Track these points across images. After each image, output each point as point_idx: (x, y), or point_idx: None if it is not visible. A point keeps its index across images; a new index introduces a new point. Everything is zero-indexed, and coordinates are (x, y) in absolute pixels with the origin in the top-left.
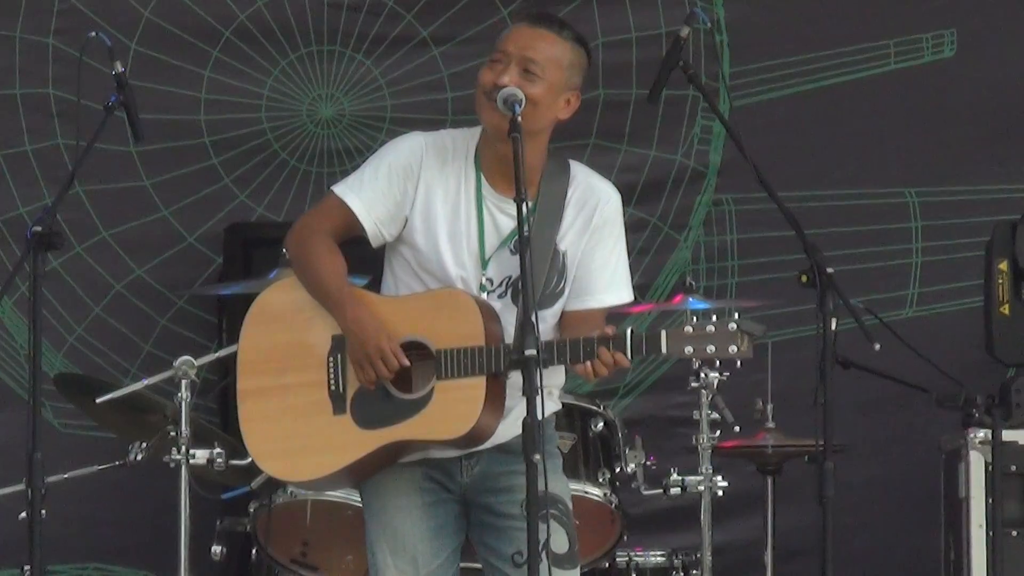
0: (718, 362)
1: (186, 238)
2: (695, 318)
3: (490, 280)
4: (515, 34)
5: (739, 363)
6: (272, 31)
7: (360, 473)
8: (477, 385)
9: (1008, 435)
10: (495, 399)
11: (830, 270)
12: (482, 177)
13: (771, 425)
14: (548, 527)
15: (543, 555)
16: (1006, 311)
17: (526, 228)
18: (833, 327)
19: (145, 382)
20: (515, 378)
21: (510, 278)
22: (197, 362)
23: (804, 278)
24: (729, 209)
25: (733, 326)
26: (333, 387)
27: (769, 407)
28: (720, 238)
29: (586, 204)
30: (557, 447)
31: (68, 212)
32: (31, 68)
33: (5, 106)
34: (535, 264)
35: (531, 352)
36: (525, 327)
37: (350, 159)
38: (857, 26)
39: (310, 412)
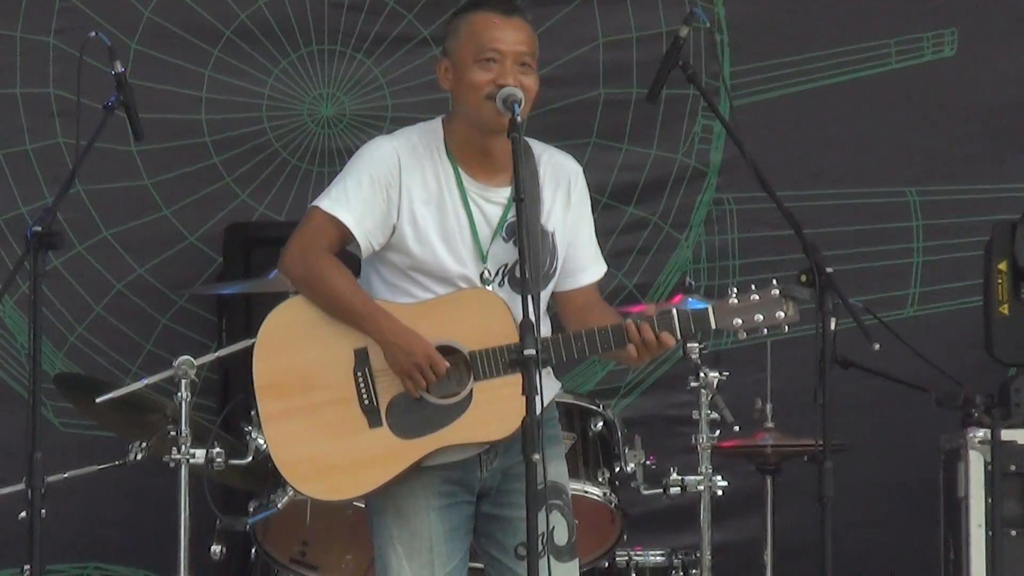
0: (766, 330)
1: (186, 238)
2: (735, 289)
3: (489, 271)
4: (499, 31)
5: (786, 328)
6: (273, 31)
7: (397, 484)
8: (518, 382)
9: (1007, 435)
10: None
11: (830, 270)
12: (460, 170)
13: (771, 425)
14: (548, 518)
15: (543, 547)
16: (1006, 311)
17: (511, 215)
18: (832, 327)
19: (145, 381)
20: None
21: (506, 266)
22: (197, 362)
23: (804, 278)
24: (730, 208)
25: (776, 292)
26: (366, 401)
27: (769, 407)
28: (721, 237)
29: (559, 182)
30: (559, 433)
31: (68, 211)
32: (31, 68)
33: (5, 106)
34: (532, 248)
35: (531, 352)
36: (524, 327)
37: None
38: (857, 26)
39: (344, 429)
